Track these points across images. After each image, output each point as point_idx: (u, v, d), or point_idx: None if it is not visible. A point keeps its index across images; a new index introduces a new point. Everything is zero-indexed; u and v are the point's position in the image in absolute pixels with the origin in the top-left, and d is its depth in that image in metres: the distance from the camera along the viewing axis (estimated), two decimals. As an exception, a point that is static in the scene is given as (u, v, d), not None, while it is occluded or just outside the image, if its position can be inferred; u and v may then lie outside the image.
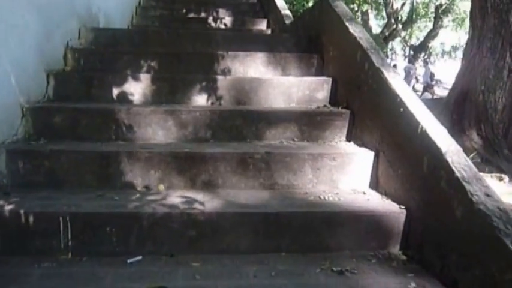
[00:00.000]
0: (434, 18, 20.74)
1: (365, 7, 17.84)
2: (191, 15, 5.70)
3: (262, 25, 5.49)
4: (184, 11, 5.76)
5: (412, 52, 24.00)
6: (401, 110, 1.97)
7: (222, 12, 5.77)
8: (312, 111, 2.52)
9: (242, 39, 3.45)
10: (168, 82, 2.71)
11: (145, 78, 2.68)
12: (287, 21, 4.58)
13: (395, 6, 20.48)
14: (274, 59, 3.10)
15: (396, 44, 28.37)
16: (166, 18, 5.47)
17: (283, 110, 2.53)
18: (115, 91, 2.64)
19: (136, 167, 2.02)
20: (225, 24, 5.44)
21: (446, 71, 26.16)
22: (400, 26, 21.89)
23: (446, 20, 21.26)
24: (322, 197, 1.99)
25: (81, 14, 3.23)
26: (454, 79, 6.62)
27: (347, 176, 2.16)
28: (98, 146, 2.12)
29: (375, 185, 2.17)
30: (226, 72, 3.02)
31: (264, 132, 2.44)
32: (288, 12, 4.96)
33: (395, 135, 2.03)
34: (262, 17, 5.69)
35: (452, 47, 42.26)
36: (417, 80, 18.21)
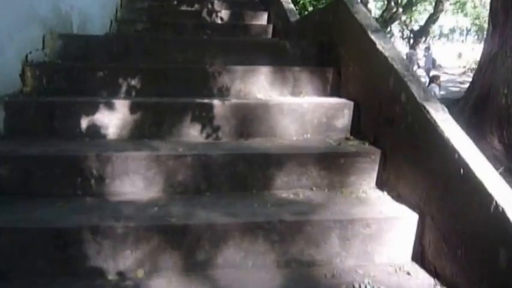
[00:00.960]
0: (436, 2, 20.04)
1: (365, -10, 17.04)
2: (183, 7, 5.07)
3: (262, 19, 4.90)
4: (175, 2, 5.13)
5: (411, 36, 23.34)
6: (462, 171, 1.46)
7: (217, 4, 5.15)
8: (334, 151, 2.00)
9: (242, 47, 2.89)
10: (152, 110, 2.17)
11: (123, 105, 2.13)
12: (292, 18, 4.00)
13: (395, -11, 19.78)
14: (282, 74, 2.56)
15: (394, 26, 27.68)
16: (155, 11, 4.86)
17: (297, 150, 2.01)
18: (84, 123, 2.10)
19: (106, 247, 1.50)
20: (221, 19, 4.85)
21: (445, 54, 25.72)
22: (400, 9, 21.17)
23: (447, 4, 20.57)
24: (357, 285, 1.49)
25: (45, 18, 2.64)
26: (472, 79, 6.12)
27: (384, 246, 1.66)
28: (54, 213, 1.59)
29: (418, 256, 1.68)
30: (224, 91, 2.47)
31: (274, 180, 1.92)
32: (291, 6, 4.37)
33: (450, 201, 1.53)
34: (262, 10, 5.08)
35: (450, 29, 41.71)
36: (418, 66, 17.74)
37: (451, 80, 17.98)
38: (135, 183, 1.83)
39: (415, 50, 18.41)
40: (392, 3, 20.52)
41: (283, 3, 4.37)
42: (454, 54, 26.65)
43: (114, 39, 2.75)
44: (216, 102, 2.21)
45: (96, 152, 1.82)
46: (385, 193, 1.90)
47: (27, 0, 2.40)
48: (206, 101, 2.23)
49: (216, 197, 1.82)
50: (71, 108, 2.10)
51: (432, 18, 21.22)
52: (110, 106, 2.12)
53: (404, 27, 25.69)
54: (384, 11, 21.32)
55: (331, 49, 2.73)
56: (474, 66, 22.09)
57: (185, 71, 2.49)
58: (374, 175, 1.99)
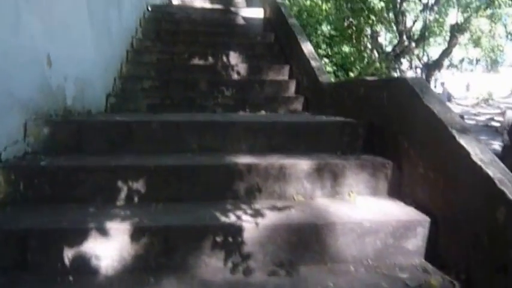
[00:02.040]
0: (450, 36, 19.77)
1: (378, 27, 16.82)
2: (195, 61, 4.61)
3: (283, 74, 4.43)
4: (186, 55, 4.68)
5: (422, 68, 23.03)
6: None
7: (233, 56, 4.69)
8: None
9: (271, 127, 2.35)
10: (161, 235, 1.60)
11: (121, 231, 1.57)
12: (321, 78, 3.50)
13: (408, 24, 19.63)
14: (325, 170, 2.00)
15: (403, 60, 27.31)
16: (164, 66, 4.41)
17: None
18: (67, 256, 1.54)
19: None
20: (238, 73, 4.40)
21: (455, 84, 25.31)
22: (413, 43, 20.92)
23: (461, 38, 20.28)
24: None
25: (29, 100, 2.10)
26: (509, 131, 5.52)
27: None
28: None
29: None
30: (253, 194, 1.92)
31: None
32: (319, 63, 3.87)
33: None
34: (282, 62, 4.61)
35: (460, 60, 41.50)
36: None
37: (464, 111, 17.27)
38: None
39: (429, 83, 18.01)
40: (405, 37, 20.32)
41: (310, 60, 3.87)
42: (464, 85, 26.28)
43: (114, 124, 2.22)
44: (246, 223, 1.64)
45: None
46: None
47: (3, 88, 1.89)
48: (233, 220, 1.67)
49: None
50: (51, 237, 1.55)
51: (446, 52, 20.91)
52: (104, 233, 1.56)
53: (410, 59, 25.22)
54: (395, 45, 21.08)
55: (385, 135, 2.18)
56: (487, 97, 21.56)
57: (203, 168, 1.95)
58: None
